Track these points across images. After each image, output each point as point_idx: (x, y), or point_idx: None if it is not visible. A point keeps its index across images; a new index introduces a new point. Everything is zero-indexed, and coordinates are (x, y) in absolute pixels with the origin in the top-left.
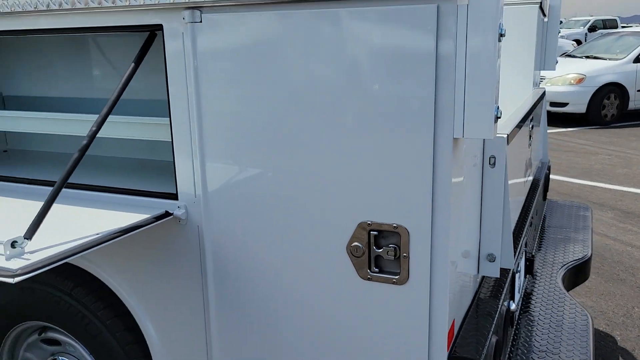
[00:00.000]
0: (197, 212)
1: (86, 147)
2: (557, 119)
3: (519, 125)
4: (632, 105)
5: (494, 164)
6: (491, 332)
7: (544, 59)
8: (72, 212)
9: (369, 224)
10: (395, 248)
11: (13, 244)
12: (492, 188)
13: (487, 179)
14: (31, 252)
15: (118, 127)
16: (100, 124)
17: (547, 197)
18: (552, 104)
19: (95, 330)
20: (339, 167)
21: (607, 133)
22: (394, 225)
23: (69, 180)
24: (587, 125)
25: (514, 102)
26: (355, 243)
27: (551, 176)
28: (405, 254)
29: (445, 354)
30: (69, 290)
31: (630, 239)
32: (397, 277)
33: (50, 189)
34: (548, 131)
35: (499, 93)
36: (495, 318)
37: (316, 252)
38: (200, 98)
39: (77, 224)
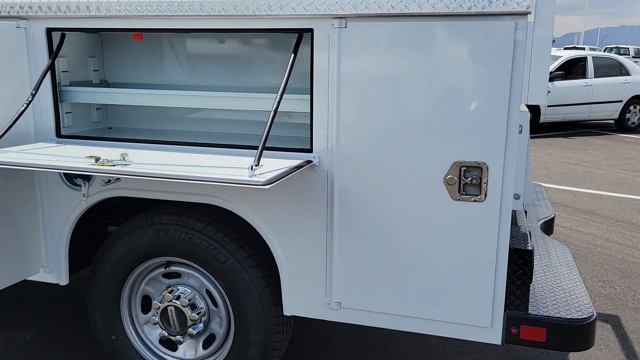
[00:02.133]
0: (327, 161)
1: (274, 115)
2: None
3: None
4: (543, 119)
5: (522, 131)
6: (529, 238)
7: None
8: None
9: (460, 162)
10: (477, 177)
11: (252, 167)
12: (520, 148)
13: (519, 141)
14: (260, 174)
15: (265, 102)
16: (279, 101)
17: None
18: None
19: (223, 257)
20: (442, 124)
21: None
22: (478, 162)
23: (249, 143)
24: None
25: None
26: (450, 175)
27: None
28: (485, 181)
29: (507, 246)
30: (201, 229)
31: None
32: (478, 196)
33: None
34: None
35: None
36: (526, 232)
37: (421, 184)
38: (340, 81)
39: (266, 164)
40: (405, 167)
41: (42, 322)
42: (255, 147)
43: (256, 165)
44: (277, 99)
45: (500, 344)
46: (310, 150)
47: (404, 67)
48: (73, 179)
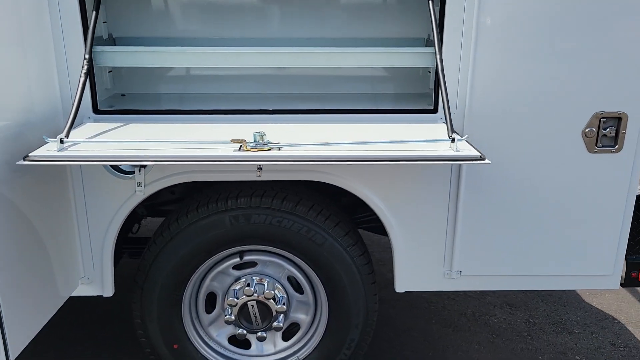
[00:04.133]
0: (455, 120)
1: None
2: None
3: None
4: None
5: None
6: None
7: None
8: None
9: (600, 113)
10: (614, 128)
11: (453, 140)
12: None
13: None
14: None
15: (378, 58)
16: (441, 58)
17: None
18: None
19: (320, 239)
20: (584, 73)
21: None
22: (618, 112)
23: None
24: None
25: None
26: (590, 128)
27: None
28: (623, 131)
29: (635, 195)
30: (290, 210)
31: None
32: (615, 147)
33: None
34: None
35: None
36: None
37: (557, 138)
38: (478, 31)
39: (417, 130)
40: (542, 123)
41: None
42: (348, 111)
43: (457, 137)
44: (439, 57)
45: (617, 288)
46: (434, 111)
47: (548, 14)
48: (119, 166)
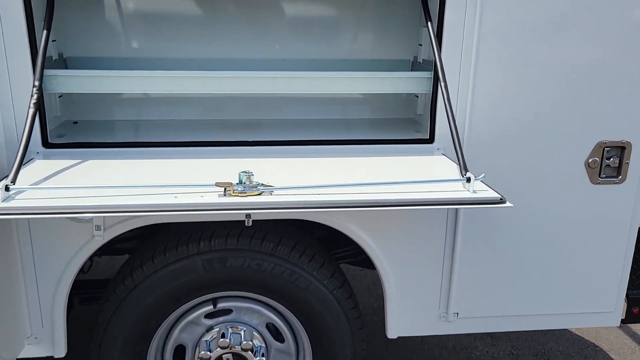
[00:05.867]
0: (451, 150)
1: (449, 104)
2: None
3: None
4: None
5: None
6: None
7: None
8: (387, 160)
9: (604, 142)
10: (618, 158)
11: (468, 179)
12: None
13: None
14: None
15: (374, 83)
16: (445, 86)
17: None
18: None
19: (304, 282)
20: (589, 105)
21: None
22: (622, 141)
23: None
24: None
25: None
26: (593, 158)
27: None
28: (627, 161)
29: (637, 227)
30: (270, 251)
31: None
32: (618, 178)
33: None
34: None
35: None
36: None
37: (559, 168)
38: (479, 53)
39: (406, 166)
40: (543, 154)
41: None
42: (336, 142)
43: (472, 176)
44: (443, 84)
45: (617, 325)
46: (430, 141)
47: (551, 44)
48: None
